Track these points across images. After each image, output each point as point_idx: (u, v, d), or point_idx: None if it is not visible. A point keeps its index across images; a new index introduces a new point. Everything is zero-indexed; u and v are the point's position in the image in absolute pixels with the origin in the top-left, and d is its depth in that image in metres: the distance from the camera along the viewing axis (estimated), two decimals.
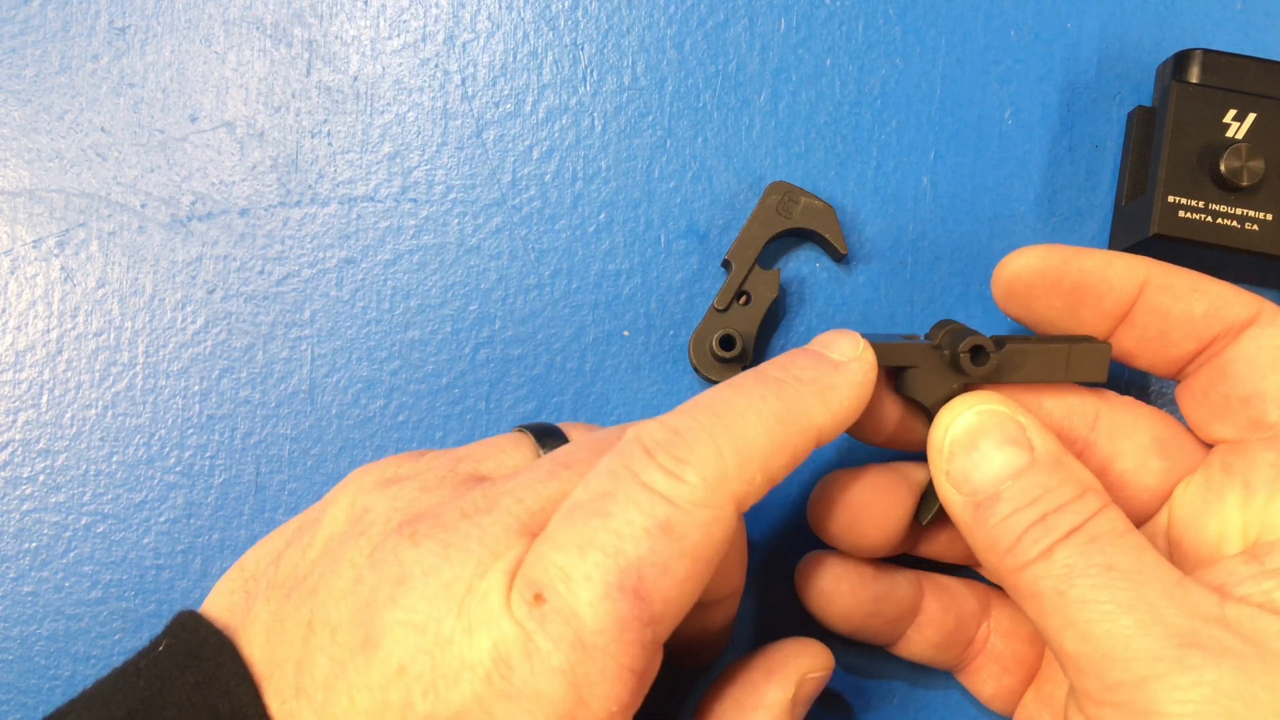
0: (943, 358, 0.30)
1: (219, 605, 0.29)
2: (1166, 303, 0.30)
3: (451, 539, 0.25)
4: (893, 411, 0.31)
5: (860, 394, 0.28)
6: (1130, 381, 0.37)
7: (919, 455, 0.33)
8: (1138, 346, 0.31)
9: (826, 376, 0.28)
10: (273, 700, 0.25)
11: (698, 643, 0.32)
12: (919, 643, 0.33)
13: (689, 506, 0.25)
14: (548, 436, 0.31)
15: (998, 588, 0.34)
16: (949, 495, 0.28)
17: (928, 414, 0.30)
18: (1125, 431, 0.31)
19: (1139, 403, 0.32)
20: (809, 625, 0.33)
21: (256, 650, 0.26)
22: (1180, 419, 0.32)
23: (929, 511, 0.32)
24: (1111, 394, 0.32)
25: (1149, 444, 0.31)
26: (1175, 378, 0.32)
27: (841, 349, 0.29)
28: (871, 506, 0.31)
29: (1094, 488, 0.27)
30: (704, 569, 0.25)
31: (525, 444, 0.30)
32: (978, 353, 0.29)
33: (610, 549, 0.24)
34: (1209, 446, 0.31)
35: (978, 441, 0.28)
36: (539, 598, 0.24)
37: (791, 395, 0.27)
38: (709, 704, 0.30)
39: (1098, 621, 0.25)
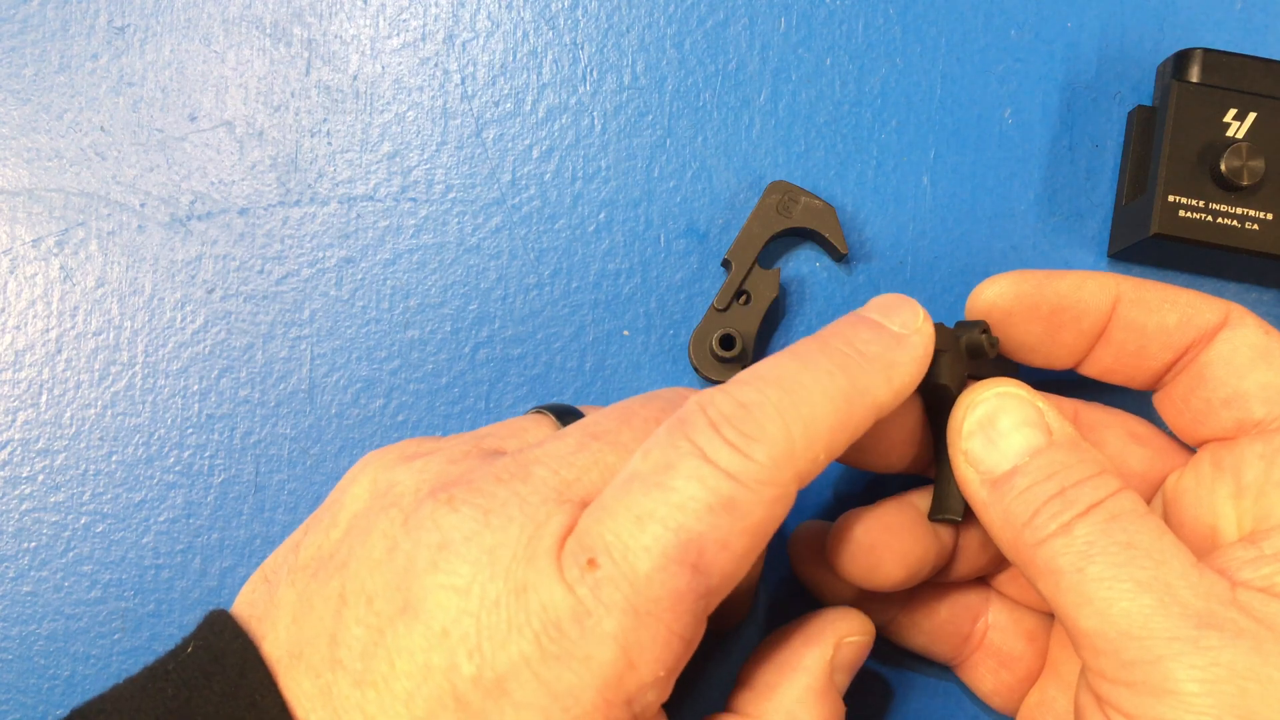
0: (960, 343, 0.30)
1: (241, 602, 0.28)
2: (1141, 317, 0.30)
3: (490, 505, 0.25)
4: (908, 435, 0.31)
5: (920, 369, 0.28)
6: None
7: (916, 481, 0.33)
8: (1116, 362, 0.31)
9: (890, 353, 0.27)
10: (305, 677, 0.25)
11: (724, 606, 0.33)
12: (909, 628, 0.33)
13: (755, 485, 0.25)
14: (568, 415, 0.30)
15: (996, 587, 0.35)
16: (965, 475, 0.28)
17: (945, 400, 0.30)
18: (1103, 425, 0.32)
19: (1106, 406, 0.33)
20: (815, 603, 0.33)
21: (283, 634, 0.26)
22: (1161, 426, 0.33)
23: (955, 508, 0.31)
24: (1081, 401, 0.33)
25: (1126, 436, 0.32)
26: (1152, 388, 0.32)
27: (903, 319, 0.28)
28: (892, 546, 0.31)
29: (1110, 469, 0.27)
30: (761, 543, 0.25)
31: (546, 424, 0.30)
32: (990, 332, 0.31)
33: (672, 523, 0.24)
34: (1189, 449, 0.32)
35: (996, 421, 0.28)
36: (592, 563, 0.24)
37: (857, 372, 0.27)
38: (751, 667, 0.30)
39: (1116, 599, 0.25)
